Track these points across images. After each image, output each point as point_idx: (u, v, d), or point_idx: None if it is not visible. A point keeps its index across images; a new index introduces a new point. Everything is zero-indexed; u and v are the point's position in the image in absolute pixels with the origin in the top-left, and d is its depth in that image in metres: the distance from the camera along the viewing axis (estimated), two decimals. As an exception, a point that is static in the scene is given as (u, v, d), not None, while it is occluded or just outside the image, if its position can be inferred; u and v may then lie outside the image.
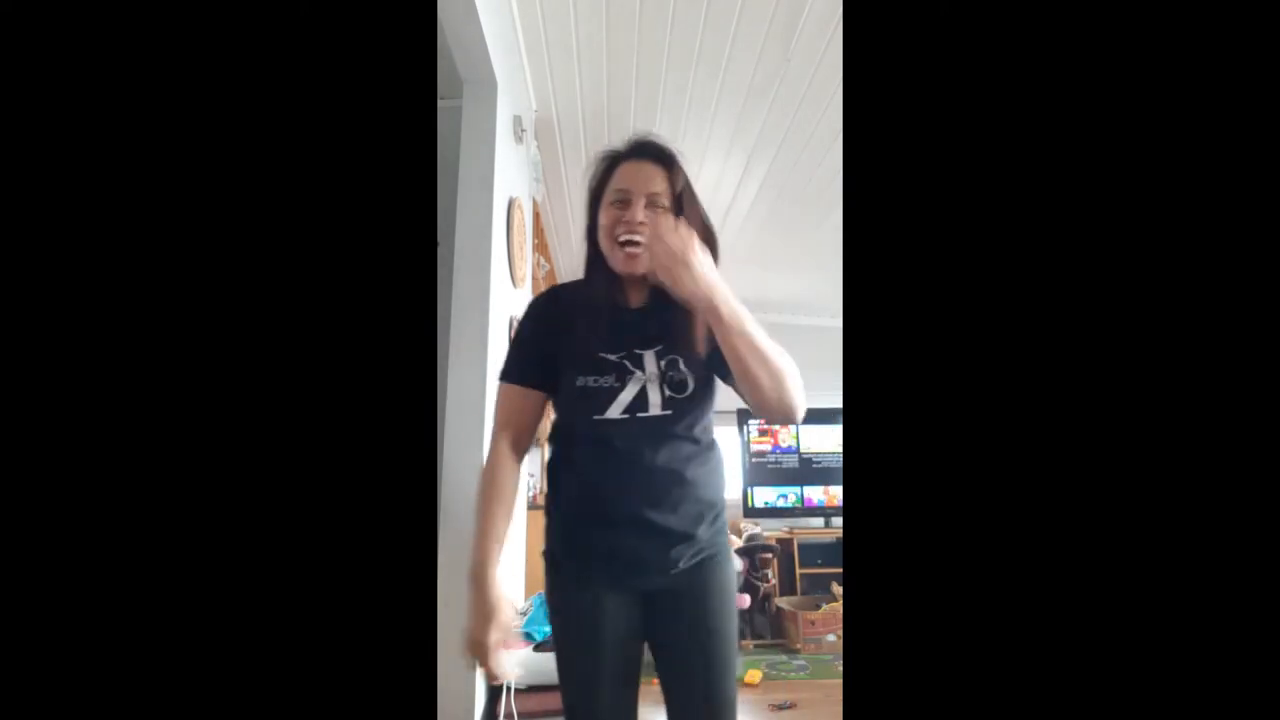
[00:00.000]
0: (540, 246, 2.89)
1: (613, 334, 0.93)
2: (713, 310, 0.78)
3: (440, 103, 1.87)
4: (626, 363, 0.92)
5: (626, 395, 0.91)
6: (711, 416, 0.98)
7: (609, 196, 0.94)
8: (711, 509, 0.94)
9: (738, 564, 3.57)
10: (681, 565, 0.91)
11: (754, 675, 2.85)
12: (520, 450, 0.97)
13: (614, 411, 0.90)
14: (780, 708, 2.50)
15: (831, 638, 3.26)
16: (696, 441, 0.93)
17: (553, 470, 0.98)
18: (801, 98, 2.46)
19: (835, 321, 4.50)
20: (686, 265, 0.77)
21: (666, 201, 0.92)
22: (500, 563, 0.90)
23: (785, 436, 4.29)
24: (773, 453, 4.25)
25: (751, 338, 0.80)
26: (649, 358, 0.93)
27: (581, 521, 0.93)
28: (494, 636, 0.85)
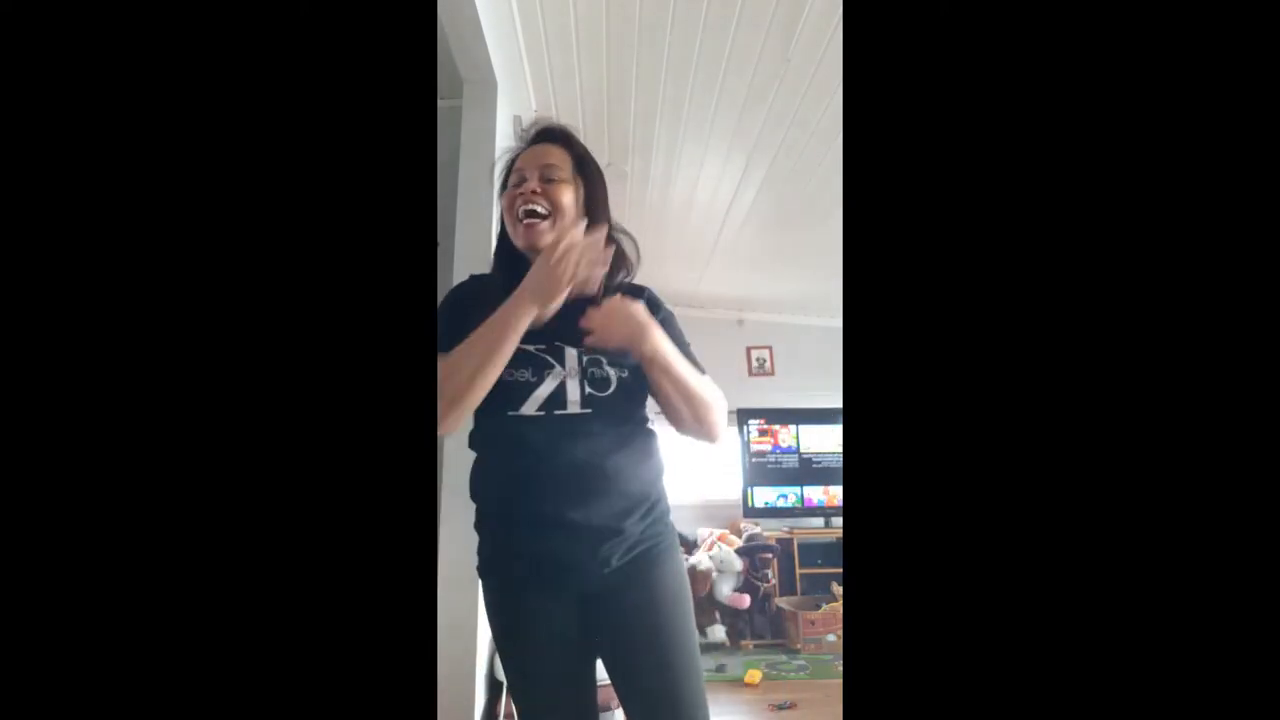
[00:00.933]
0: (540, 246, 2.88)
1: (531, 330, 0.86)
2: (650, 357, 0.83)
3: (440, 103, 1.87)
4: (546, 356, 0.87)
5: (543, 391, 0.85)
6: (642, 409, 0.92)
7: (509, 183, 0.93)
8: (642, 501, 0.88)
9: (736, 564, 3.57)
10: (614, 563, 0.85)
11: (754, 675, 2.84)
12: None
13: (529, 408, 0.85)
14: (780, 708, 2.50)
15: (831, 638, 3.26)
16: (619, 433, 0.87)
17: (473, 476, 0.93)
18: (801, 98, 2.46)
19: (835, 321, 4.50)
20: (646, 334, 0.82)
21: (564, 173, 0.90)
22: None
23: (785, 436, 4.29)
24: (773, 452, 4.25)
25: (679, 377, 0.85)
26: (570, 353, 0.87)
27: (504, 526, 0.89)
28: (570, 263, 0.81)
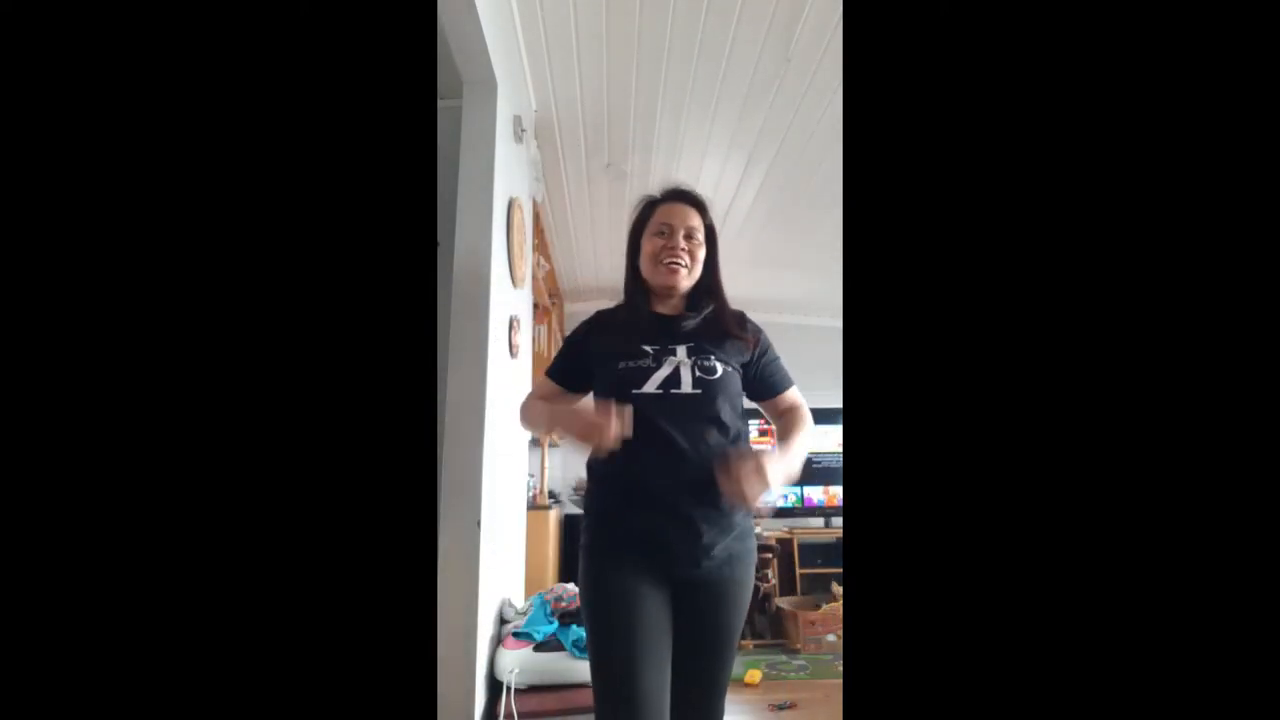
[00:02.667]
0: (540, 246, 2.89)
1: (649, 332, 1.09)
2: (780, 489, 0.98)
3: (440, 103, 1.87)
4: (662, 351, 1.07)
5: (662, 373, 1.03)
6: (740, 408, 1.09)
7: (652, 229, 1.12)
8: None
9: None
10: (715, 554, 0.98)
11: (754, 675, 2.84)
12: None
13: (650, 386, 1.02)
14: (780, 708, 2.50)
15: (831, 638, 3.26)
16: (727, 431, 1.02)
17: (590, 463, 1.07)
18: (801, 98, 2.46)
19: (835, 321, 4.50)
20: (772, 486, 0.95)
21: (701, 236, 1.12)
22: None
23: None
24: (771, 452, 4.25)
25: (796, 469, 1.03)
26: (681, 350, 1.07)
27: (618, 505, 1.02)
28: (593, 427, 0.96)
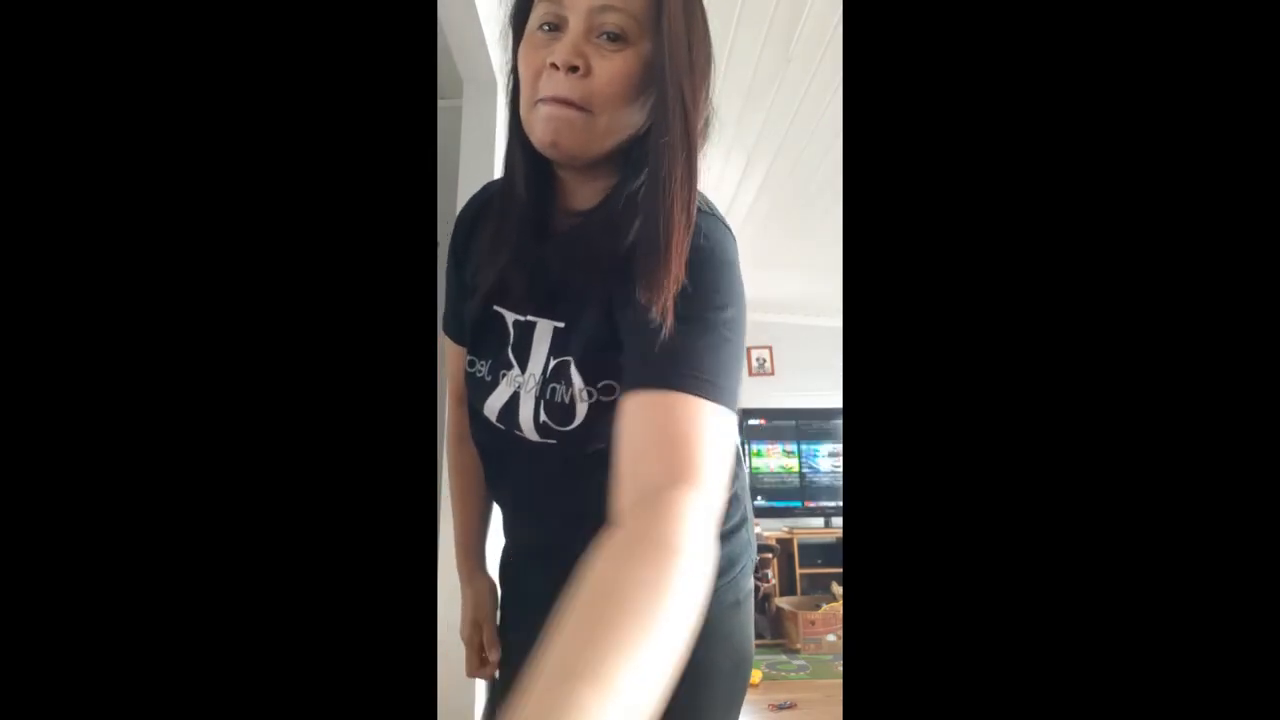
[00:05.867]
0: (540, 246, 2.88)
1: (510, 276, 0.56)
2: None
3: (440, 103, 1.87)
4: (507, 345, 0.57)
5: (497, 398, 0.58)
6: None
7: (533, 22, 0.53)
8: None
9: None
10: None
11: (754, 675, 2.85)
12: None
13: (489, 413, 0.60)
14: (780, 708, 2.50)
15: (831, 638, 3.26)
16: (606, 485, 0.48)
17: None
18: (801, 98, 2.46)
19: (835, 321, 4.50)
20: None
21: (634, 22, 0.49)
22: (475, 551, 0.76)
23: (783, 458, 4.29)
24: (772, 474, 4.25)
25: None
26: (540, 337, 0.55)
27: (511, 549, 0.71)
28: (467, 633, 0.72)
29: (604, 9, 0.48)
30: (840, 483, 4.19)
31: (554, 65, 0.48)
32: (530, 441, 0.57)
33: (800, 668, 3.06)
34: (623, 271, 0.49)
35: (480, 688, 1.55)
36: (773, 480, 4.19)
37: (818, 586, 3.78)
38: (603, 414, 0.52)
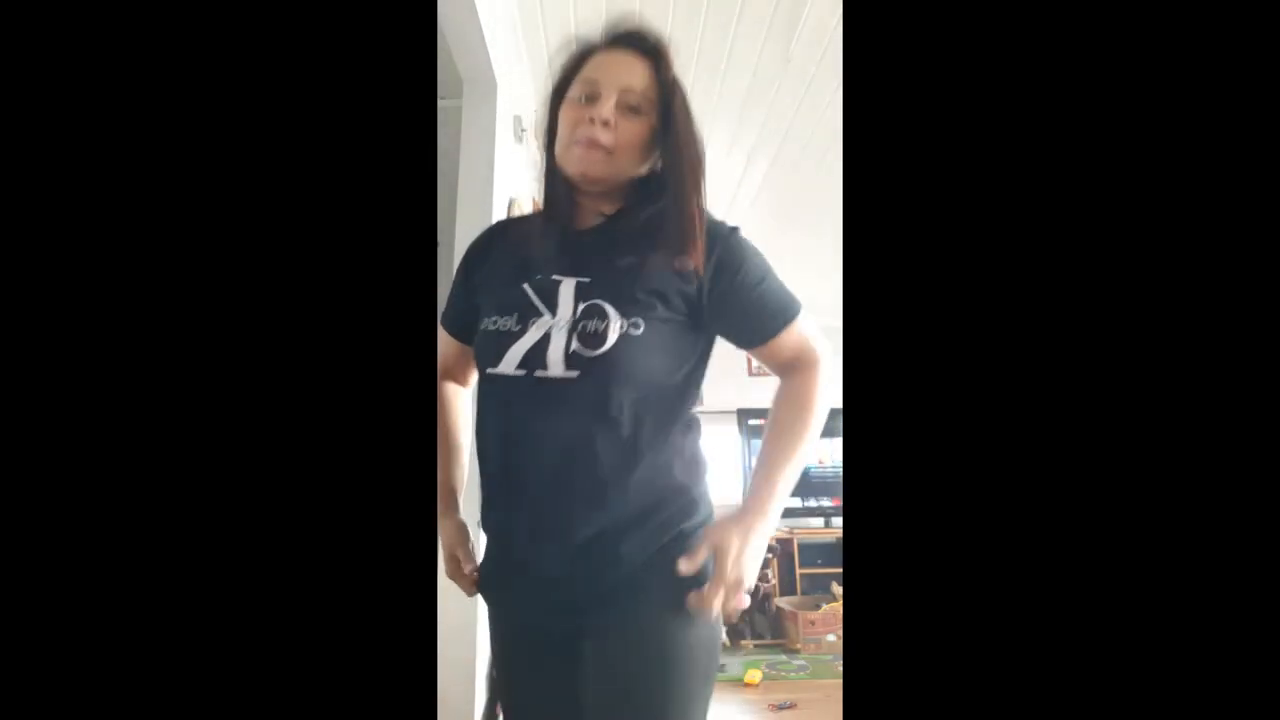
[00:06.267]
0: (540, 246, 2.88)
1: (536, 258, 0.71)
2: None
3: (440, 103, 1.87)
4: (534, 297, 0.68)
5: (525, 342, 0.66)
6: (667, 390, 0.70)
7: (574, 91, 0.72)
8: (645, 514, 0.68)
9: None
10: (603, 598, 0.67)
11: (754, 675, 2.84)
12: (460, 384, 0.88)
13: (507, 365, 0.67)
14: (780, 708, 2.50)
15: (831, 638, 3.26)
16: (632, 443, 0.66)
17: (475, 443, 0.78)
18: (801, 98, 2.46)
19: (835, 321, 4.50)
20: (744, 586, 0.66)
21: (646, 101, 0.69)
22: (452, 493, 0.84)
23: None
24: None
25: (787, 479, 0.70)
26: (566, 291, 0.67)
27: (490, 519, 0.74)
28: (448, 566, 0.80)
29: (627, 91, 0.70)
30: (839, 477, 4.20)
31: (592, 120, 0.69)
32: (548, 381, 0.66)
33: (800, 668, 3.06)
34: (648, 246, 0.69)
35: (480, 688, 1.55)
36: None
37: (818, 586, 3.78)
38: (627, 345, 0.65)
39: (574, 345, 0.65)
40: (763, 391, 4.51)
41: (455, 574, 0.80)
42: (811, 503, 4.17)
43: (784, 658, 3.23)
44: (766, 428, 0.75)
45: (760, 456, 0.72)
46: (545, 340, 0.66)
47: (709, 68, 2.30)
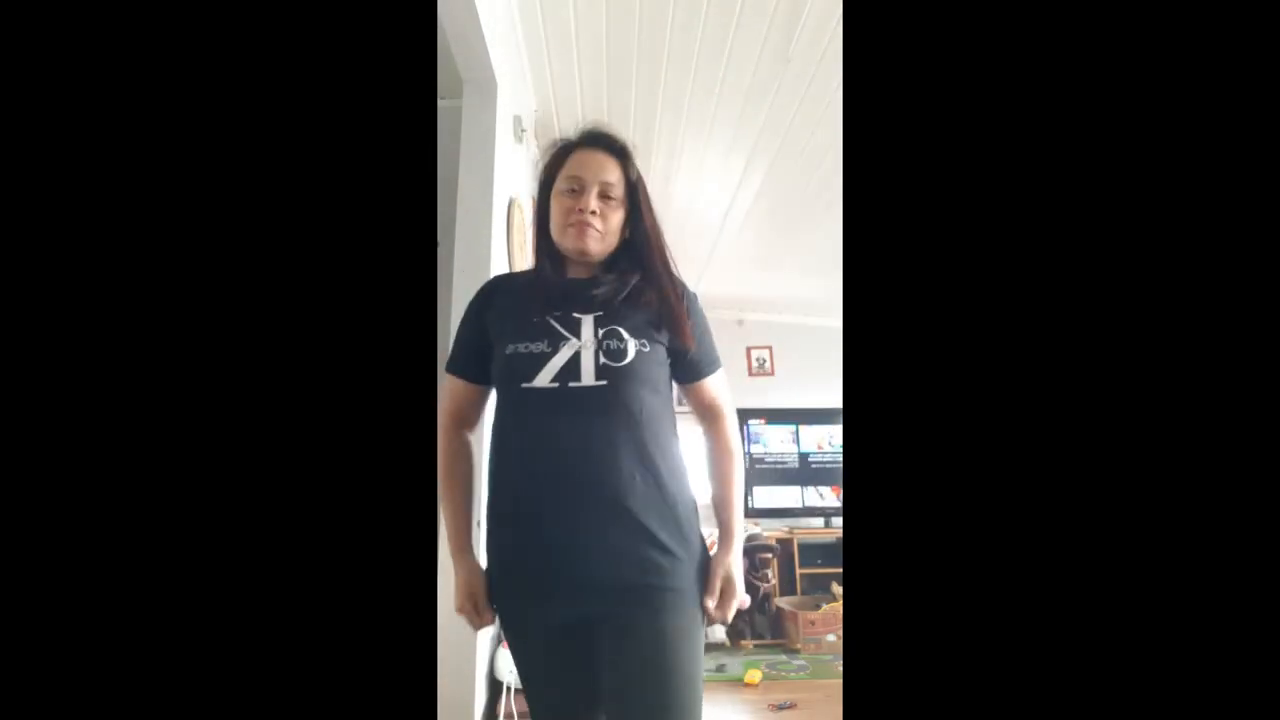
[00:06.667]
0: (540, 246, 2.88)
1: (549, 300, 0.89)
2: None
3: (440, 103, 1.87)
4: (559, 327, 0.86)
5: (558, 360, 0.83)
6: (669, 393, 0.91)
7: (560, 184, 0.93)
8: (665, 507, 0.84)
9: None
10: (626, 585, 0.80)
11: (754, 675, 2.84)
12: (470, 429, 0.97)
13: (542, 379, 0.83)
14: (780, 708, 2.50)
15: (831, 638, 3.25)
16: (648, 433, 0.84)
17: (491, 461, 0.89)
18: (801, 98, 2.46)
19: (835, 321, 4.50)
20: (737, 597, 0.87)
21: (619, 192, 0.92)
22: (466, 533, 0.92)
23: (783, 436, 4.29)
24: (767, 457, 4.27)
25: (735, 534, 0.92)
26: (587, 323, 0.86)
27: (513, 523, 0.85)
28: (464, 605, 0.89)
29: (604, 184, 0.92)
30: (838, 465, 4.21)
31: (581, 210, 0.90)
32: (582, 388, 0.83)
33: (800, 668, 3.06)
34: (627, 297, 0.91)
35: (480, 688, 1.55)
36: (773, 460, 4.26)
37: (818, 586, 3.77)
38: (641, 359, 0.86)
39: (601, 360, 0.84)
40: (763, 392, 4.49)
41: (470, 612, 0.89)
42: (811, 493, 4.18)
43: (784, 658, 3.23)
44: (711, 474, 0.96)
45: (717, 498, 0.95)
46: (576, 359, 0.84)
47: (709, 68, 2.30)
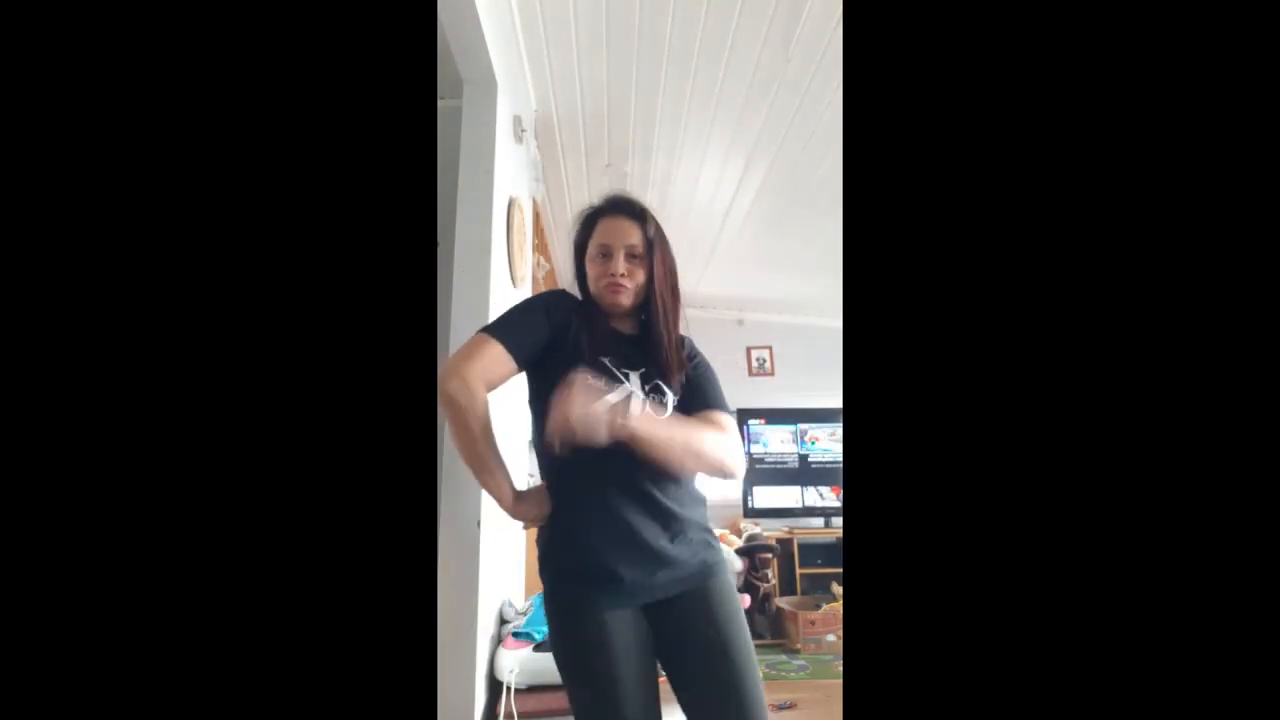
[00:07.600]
0: (540, 246, 2.88)
1: (606, 345, 1.05)
2: (627, 439, 0.94)
3: (440, 103, 1.87)
4: (616, 371, 1.04)
5: (613, 398, 0.97)
6: None
7: (593, 250, 1.10)
8: (690, 523, 1.01)
9: (737, 564, 3.57)
10: (667, 588, 0.97)
11: (754, 675, 2.84)
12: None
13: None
14: (780, 708, 2.50)
15: (831, 638, 3.25)
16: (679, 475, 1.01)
17: (551, 480, 1.04)
18: (801, 98, 2.46)
19: (835, 321, 4.50)
20: (608, 425, 0.91)
21: (642, 250, 1.09)
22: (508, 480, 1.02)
23: (784, 436, 4.29)
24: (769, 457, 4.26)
25: (665, 454, 0.96)
26: (634, 377, 1.05)
27: (572, 526, 1.00)
28: (534, 516, 1.03)
29: (630, 246, 1.07)
30: (838, 465, 4.20)
31: (613, 273, 1.07)
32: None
33: (800, 668, 3.06)
34: (659, 358, 1.08)
35: (480, 688, 1.55)
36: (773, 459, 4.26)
37: (818, 586, 3.77)
38: (677, 406, 1.04)
39: (647, 406, 1.01)
40: (762, 391, 4.48)
41: (535, 518, 1.03)
42: (811, 494, 4.18)
43: (784, 658, 3.23)
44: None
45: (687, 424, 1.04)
46: (627, 399, 1.00)
47: (709, 68, 2.30)
